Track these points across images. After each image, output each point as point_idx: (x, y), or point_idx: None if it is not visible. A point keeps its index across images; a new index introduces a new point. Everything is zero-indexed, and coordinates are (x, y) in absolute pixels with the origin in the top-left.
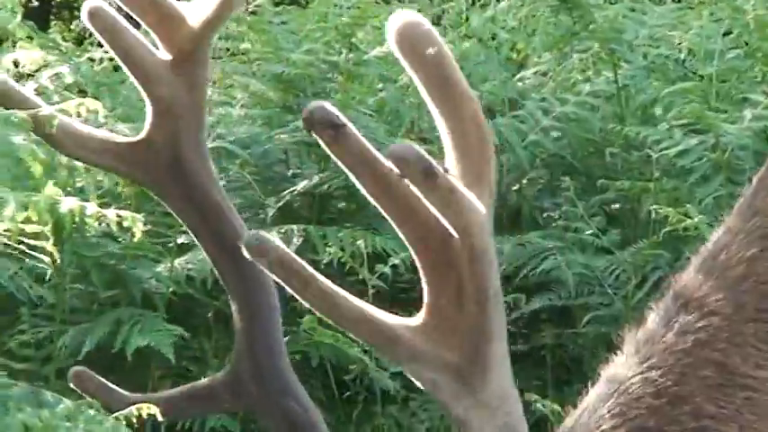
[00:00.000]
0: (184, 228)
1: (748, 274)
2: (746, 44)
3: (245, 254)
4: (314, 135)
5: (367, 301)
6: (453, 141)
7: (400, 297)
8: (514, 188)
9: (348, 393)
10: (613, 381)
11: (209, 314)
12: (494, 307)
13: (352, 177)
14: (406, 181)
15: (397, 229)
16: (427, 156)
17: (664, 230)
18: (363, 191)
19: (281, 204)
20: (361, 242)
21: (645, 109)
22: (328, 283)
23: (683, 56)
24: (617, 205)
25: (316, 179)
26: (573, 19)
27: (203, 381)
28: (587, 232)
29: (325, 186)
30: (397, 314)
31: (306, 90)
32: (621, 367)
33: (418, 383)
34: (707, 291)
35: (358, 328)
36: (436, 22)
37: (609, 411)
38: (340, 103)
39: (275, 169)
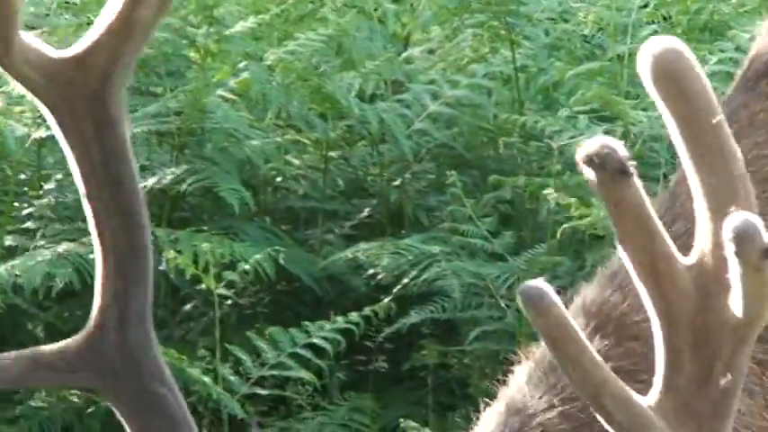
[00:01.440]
0: (12, 228)
1: None
2: (665, 18)
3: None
4: (589, 176)
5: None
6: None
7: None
8: (395, 183)
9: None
10: (520, 411)
11: (39, 328)
12: (737, 397)
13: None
14: (734, 260)
15: (651, 305)
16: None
17: (564, 225)
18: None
19: None
20: (208, 247)
21: (546, 93)
22: (596, 354)
23: (590, 32)
24: (512, 204)
25: (169, 174)
26: None
27: (53, 347)
28: (477, 235)
29: (180, 183)
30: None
31: (158, 69)
32: (525, 394)
33: None
34: (624, 310)
35: (618, 409)
36: None
37: None
38: (196, 85)
39: None
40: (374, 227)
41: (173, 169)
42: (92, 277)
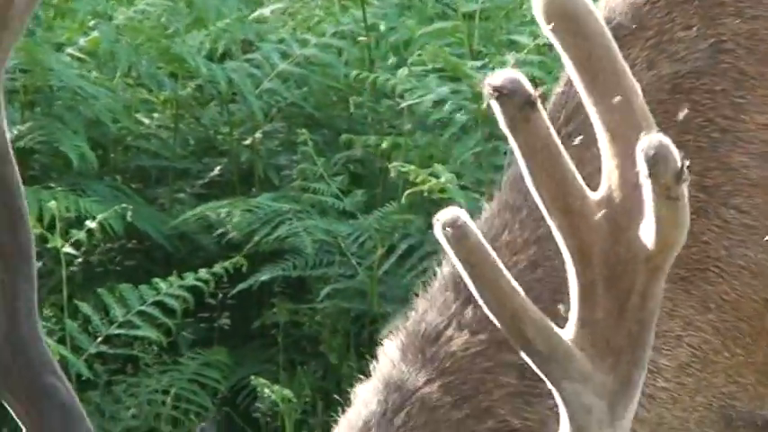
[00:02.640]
0: None
1: (538, 259)
2: None
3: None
4: (498, 111)
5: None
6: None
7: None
8: (246, 143)
9: None
10: (400, 388)
11: None
12: (653, 327)
13: (525, 166)
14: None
15: (563, 241)
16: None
17: (407, 192)
18: (533, 186)
19: None
20: (54, 204)
21: (397, 52)
22: (510, 275)
23: None
24: (363, 163)
25: (14, 131)
26: None
27: None
28: (328, 194)
29: (26, 139)
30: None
31: None
32: (403, 369)
33: (570, 407)
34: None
35: (539, 337)
36: None
37: (404, 423)
38: (38, 45)
39: None
40: (225, 185)
41: (19, 126)
42: None
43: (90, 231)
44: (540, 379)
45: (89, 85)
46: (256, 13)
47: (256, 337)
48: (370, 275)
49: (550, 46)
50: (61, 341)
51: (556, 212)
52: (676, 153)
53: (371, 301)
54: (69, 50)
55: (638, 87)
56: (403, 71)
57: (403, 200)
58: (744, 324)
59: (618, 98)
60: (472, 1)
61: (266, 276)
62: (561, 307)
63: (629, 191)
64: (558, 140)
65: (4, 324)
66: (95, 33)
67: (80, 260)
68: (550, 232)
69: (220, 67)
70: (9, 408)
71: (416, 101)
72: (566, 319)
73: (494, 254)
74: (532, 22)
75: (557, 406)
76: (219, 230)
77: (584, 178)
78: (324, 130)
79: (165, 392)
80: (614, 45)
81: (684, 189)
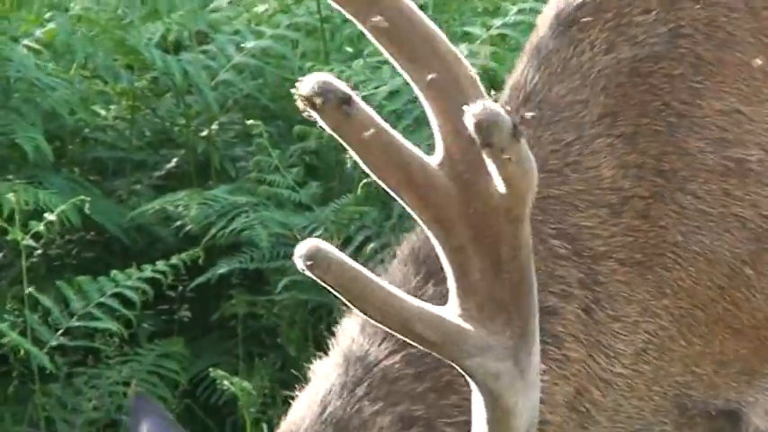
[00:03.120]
0: None
1: None
2: None
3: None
4: (319, 119)
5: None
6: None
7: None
8: (202, 134)
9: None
10: (361, 360)
11: None
12: (533, 273)
13: (362, 162)
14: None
15: (420, 218)
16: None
17: (362, 183)
18: (377, 178)
19: None
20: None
21: (352, 44)
22: (383, 282)
23: None
24: (318, 155)
25: None
26: None
27: None
28: (284, 186)
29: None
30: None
31: None
32: (362, 342)
33: (478, 379)
34: None
35: (428, 329)
36: None
37: (366, 394)
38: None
39: None
40: (182, 177)
41: None
42: None
43: (49, 224)
44: None
45: (46, 76)
46: (212, 5)
47: (215, 328)
48: None
49: (503, 36)
50: (23, 334)
51: (404, 192)
52: (505, 115)
53: (329, 293)
54: (26, 42)
55: (449, 47)
56: (358, 63)
57: (359, 191)
58: (699, 312)
59: (432, 76)
60: None
61: (224, 269)
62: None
63: (466, 146)
64: (385, 124)
65: None
66: (52, 25)
67: (39, 252)
68: None
69: (176, 58)
70: None
71: (371, 92)
72: None
73: (356, 266)
74: (485, 13)
75: None
76: (177, 223)
77: (539, 158)
78: (279, 122)
79: (126, 384)
80: (420, 15)
81: (523, 143)
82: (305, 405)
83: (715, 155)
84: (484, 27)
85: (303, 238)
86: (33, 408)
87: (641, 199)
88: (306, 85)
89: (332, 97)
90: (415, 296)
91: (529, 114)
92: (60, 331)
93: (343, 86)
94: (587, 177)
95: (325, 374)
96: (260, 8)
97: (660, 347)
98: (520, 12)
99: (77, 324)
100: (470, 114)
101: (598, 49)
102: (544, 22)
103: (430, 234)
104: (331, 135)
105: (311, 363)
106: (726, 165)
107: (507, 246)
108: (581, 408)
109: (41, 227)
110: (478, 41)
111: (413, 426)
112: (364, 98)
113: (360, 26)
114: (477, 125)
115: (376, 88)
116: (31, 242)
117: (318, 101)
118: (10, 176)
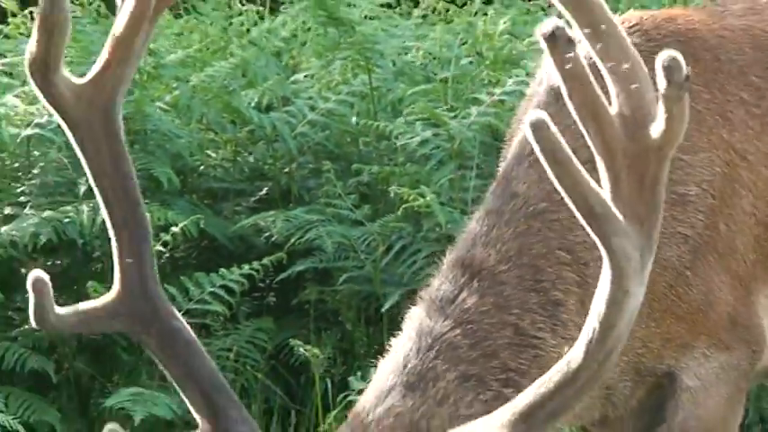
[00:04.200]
0: (9, 201)
1: (522, 248)
2: (478, 53)
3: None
4: (547, 50)
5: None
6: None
7: (178, 265)
8: (285, 171)
9: None
10: (429, 333)
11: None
12: (662, 199)
13: (565, 87)
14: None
15: (593, 141)
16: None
17: (403, 206)
18: (569, 100)
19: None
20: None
21: (393, 106)
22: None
23: (425, 62)
24: (369, 186)
25: None
26: (338, 32)
27: (100, 300)
28: (344, 208)
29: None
30: None
31: None
32: (429, 322)
33: (616, 256)
34: (492, 263)
35: (596, 204)
36: (224, 31)
37: (435, 357)
38: (138, 99)
39: None
40: (270, 201)
41: None
42: (66, 235)
43: (174, 235)
44: (527, 334)
45: (173, 128)
46: (292, 78)
47: (294, 311)
48: (374, 267)
49: (502, 101)
50: None
51: (588, 119)
52: (684, 63)
53: (375, 285)
54: (159, 104)
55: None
56: (399, 119)
57: (399, 212)
58: (655, 303)
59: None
60: (446, 70)
61: (301, 267)
62: None
63: (637, 102)
64: (588, 71)
65: (137, 287)
66: (177, 92)
67: (167, 255)
68: (528, 228)
69: (266, 116)
70: (147, 348)
71: (407, 141)
72: None
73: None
74: (489, 84)
75: (538, 356)
76: (267, 234)
77: (546, 191)
78: (341, 162)
79: (229, 350)
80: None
81: (687, 92)
82: (389, 365)
83: (666, 190)
84: (488, 94)
85: (357, 246)
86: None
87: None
88: (547, 25)
89: (562, 36)
90: (465, 290)
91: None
92: (182, 312)
93: (570, 33)
94: None
95: (401, 344)
96: (327, 79)
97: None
98: (515, 83)
99: (195, 306)
100: (660, 59)
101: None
102: (539, 89)
103: (597, 155)
104: (378, 171)
105: (362, 335)
106: (673, 197)
107: (651, 175)
108: None
109: (169, 237)
110: (484, 104)
111: (469, 381)
112: (402, 146)
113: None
114: (665, 66)
115: (411, 138)
116: (161, 248)
117: (553, 35)
118: (147, 200)
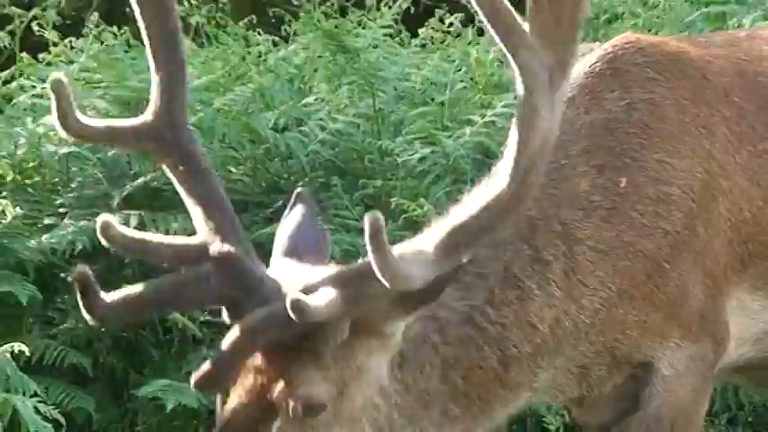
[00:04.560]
0: (49, 212)
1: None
2: (471, 79)
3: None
4: None
5: None
6: None
7: None
8: (299, 184)
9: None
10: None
11: (68, 276)
12: (579, 31)
13: None
14: None
15: None
16: None
17: (403, 216)
18: None
19: (124, 195)
20: (177, 225)
21: (395, 126)
22: None
23: (424, 86)
24: (374, 198)
25: (150, 176)
26: (345, 60)
27: (128, 121)
28: (351, 218)
29: (156, 182)
30: None
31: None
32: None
33: (523, 72)
34: None
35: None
36: (243, 60)
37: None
38: None
39: (120, 169)
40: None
41: (152, 173)
42: (100, 243)
43: None
44: (516, 278)
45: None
46: (304, 101)
47: None
48: None
49: (493, 122)
50: (181, 313)
51: None
52: None
53: None
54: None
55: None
56: (399, 139)
57: (400, 222)
58: (635, 291)
59: None
60: (443, 93)
61: None
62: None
63: None
64: None
65: (164, 115)
66: (202, 113)
67: None
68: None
69: (282, 135)
70: (167, 169)
71: (408, 158)
72: None
73: None
74: (481, 106)
75: (521, 299)
76: None
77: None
78: (349, 177)
79: None
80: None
81: None
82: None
83: (652, 188)
84: (481, 116)
85: (363, 253)
86: (186, 362)
87: (605, 209)
88: None
89: None
90: None
91: None
92: (206, 311)
93: None
94: (571, 186)
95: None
96: (335, 102)
97: (608, 311)
98: (504, 106)
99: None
100: None
101: (581, 110)
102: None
103: None
104: (382, 185)
105: None
106: (658, 195)
107: (568, 14)
108: (557, 331)
109: None
110: (477, 125)
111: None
112: (403, 162)
113: None
114: None
115: (411, 155)
116: None
117: None
118: (174, 211)
